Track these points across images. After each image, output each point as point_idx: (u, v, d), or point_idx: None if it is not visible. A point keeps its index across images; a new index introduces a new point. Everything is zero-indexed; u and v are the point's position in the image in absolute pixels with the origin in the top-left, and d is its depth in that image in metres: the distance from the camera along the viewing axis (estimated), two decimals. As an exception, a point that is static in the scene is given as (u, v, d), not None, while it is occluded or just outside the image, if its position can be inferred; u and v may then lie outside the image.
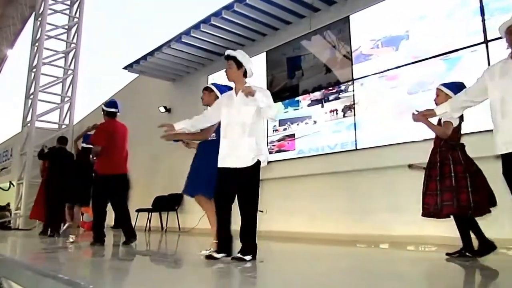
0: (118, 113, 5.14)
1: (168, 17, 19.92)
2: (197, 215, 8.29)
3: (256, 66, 7.00)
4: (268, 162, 6.57)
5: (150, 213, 8.90)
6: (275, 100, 3.45)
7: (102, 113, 5.15)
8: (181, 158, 9.03)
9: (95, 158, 5.35)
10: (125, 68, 9.10)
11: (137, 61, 8.73)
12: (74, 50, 13.67)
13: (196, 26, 7.19)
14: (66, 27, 13.94)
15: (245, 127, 3.16)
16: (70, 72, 13.60)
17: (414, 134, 4.96)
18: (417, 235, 4.94)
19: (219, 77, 8.02)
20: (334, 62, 6.03)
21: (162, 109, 9.58)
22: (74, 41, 13.77)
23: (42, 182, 7.39)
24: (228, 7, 6.61)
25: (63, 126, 13.41)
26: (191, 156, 9.50)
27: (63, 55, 13.77)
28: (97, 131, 4.99)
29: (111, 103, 5.16)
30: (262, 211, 6.88)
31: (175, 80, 9.71)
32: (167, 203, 8.75)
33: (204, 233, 7.92)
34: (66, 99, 13.51)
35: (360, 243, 5.28)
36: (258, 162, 3.18)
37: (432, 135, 3.57)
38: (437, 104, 3.53)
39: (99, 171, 4.92)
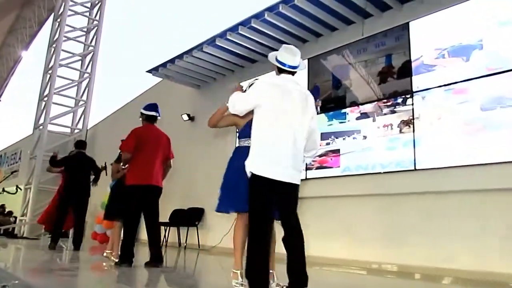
0: (158, 118, 4.65)
1: (192, 22, 19.34)
2: (219, 232, 7.68)
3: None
4: (307, 179, 6.03)
5: (168, 228, 8.26)
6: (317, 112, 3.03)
7: (140, 118, 4.66)
8: (202, 169, 8.50)
9: (124, 167, 4.82)
10: (149, 71, 8.58)
11: (163, 64, 8.21)
12: (92, 53, 13.29)
13: (233, 29, 6.67)
14: (85, 29, 13.59)
15: None
16: (86, 75, 13.21)
17: (489, 155, 4.38)
18: (485, 271, 4.30)
19: (251, 85, 7.50)
20: (389, 72, 5.47)
21: (185, 117, 9.03)
22: (93, 44, 13.40)
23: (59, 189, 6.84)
24: (271, 9, 6.08)
25: (76, 131, 12.93)
26: (214, 169, 8.78)
27: (80, 57, 13.38)
28: (127, 137, 4.48)
29: (150, 106, 4.69)
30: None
31: (200, 87, 9.18)
32: (186, 218, 8.13)
33: (227, 253, 7.29)
34: (81, 103, 13.08)
35: (412, 277, 4.66)
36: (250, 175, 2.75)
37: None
38: None
39: (126, 181, 4.42)
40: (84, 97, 13.03)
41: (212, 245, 7.73)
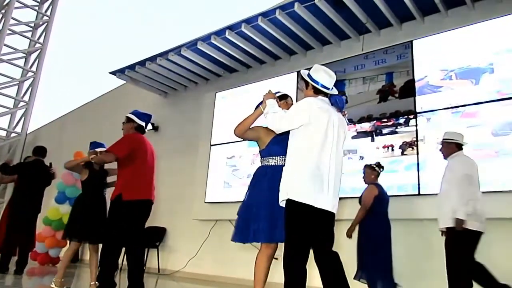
0: (146, 130, 4.14)
1: (165, 26, 18.10)
2: (183, 255, 6.93)
3: (280, 87, 6.13)
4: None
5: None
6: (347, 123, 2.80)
7: (126, 124, 4.03)
8: (165, 185, 7.70)
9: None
10: (113, 73, 7.74)
11: (131, 66, 7.43)
12: (39, 50, 12.04)
13: (220, 32, 6.14)
14: (33, 24, 12.33)
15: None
16: (30, 74, 11.89)
17: (502, 183, 4.18)
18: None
19: (230, 95, 6.97)
20: (390, 91, 5.21)
21: (149, 126, 8.19)
22: (41, 41, 12.16)
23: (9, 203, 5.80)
24: (266, 14, 5.66)
25: (13, 135, 11.53)
26: (179, 185, 7.93)
27: (24, 54, 12.09)
28: (121, 141, 3.83)
29: (145, 115, 4.09)
30: (276, 258, 5.74)
31: (167, 94, 8.47)
32: (145, 238, 7.24)
33: (192, 279, 6.56)
34: (21, 104, 11.71)
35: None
36: (288, 202, 2.53)
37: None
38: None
39: (125, 196, 3.70)
40: (26, 98, 11.71)
41: (174, 269, 6.94)
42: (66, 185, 7.50)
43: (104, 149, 4.34)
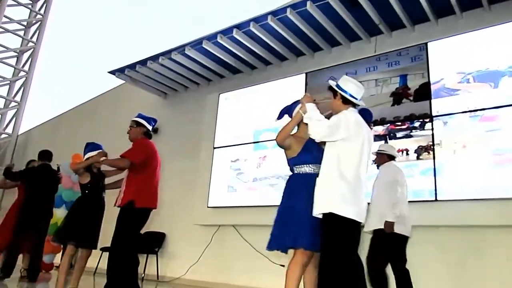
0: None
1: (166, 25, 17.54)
2: (183, 262, 6.67)
3: (287, 89, 5.96)
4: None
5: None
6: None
7: (135, 128, 3.99)
8: (165, 189, 7.41)
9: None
10: (112, 72, 7.49)
11: (131, 66, 7.19)
12: (31, 50, 11.73)
13: (226, 32, 5.95)
14: (25, 23, 12.02)
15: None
16: (22, 74, 11.58)
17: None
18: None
19: (233, 97, 6.78)
20: (404, 93, 5.07)
21: (148, 129, 7.98)
22: (34, 39, 11.86)
23: (14, 207, 5.61)
24: (276, 13, 5.49)
25: (3, 136, 11.18)
26: (179, 189, 7.75)
27: (16, 53, 11.77)
28: (138, 147, 3.81)
29: (152, 120, 4.11)
30: (283, 266, 5.56)
31: (167, 95, 8.24)
32: (143, 243, 6.98)
33: (193, 286, 6.31)
34: (13, 104, 11.38)
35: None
36: (330, 215, 2.54)
37: None
38: None
39: (138, 203, 3.72)
40: (18, 98, 11.38)
41: (174, 276, 6.69)
42: (63, 188, 7.22)
43: (102, 150, 4.24)
